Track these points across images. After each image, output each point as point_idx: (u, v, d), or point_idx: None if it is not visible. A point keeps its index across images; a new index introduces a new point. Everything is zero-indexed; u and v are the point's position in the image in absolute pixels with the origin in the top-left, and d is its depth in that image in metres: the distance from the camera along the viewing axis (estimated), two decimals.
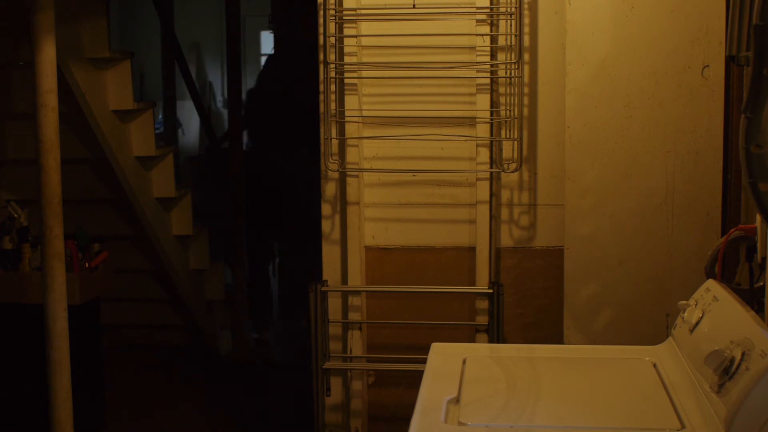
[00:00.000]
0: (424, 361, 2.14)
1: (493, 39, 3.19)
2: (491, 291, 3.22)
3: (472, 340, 3.29)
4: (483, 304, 3.29)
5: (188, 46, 7.64)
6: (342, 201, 3.32)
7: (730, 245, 2.32)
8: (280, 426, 4.27)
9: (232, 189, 5.44)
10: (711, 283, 2.13)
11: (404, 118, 3.24)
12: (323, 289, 3.29)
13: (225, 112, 7.92)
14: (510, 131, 3.18)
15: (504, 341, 3.25)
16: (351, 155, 3.27)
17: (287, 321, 6.05)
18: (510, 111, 3.18)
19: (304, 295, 3.34)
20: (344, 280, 3.34)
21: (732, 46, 2.16)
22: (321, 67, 3.23)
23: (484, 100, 3.22)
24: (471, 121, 3.23)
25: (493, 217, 3.26)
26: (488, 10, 3.18)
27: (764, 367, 1.64)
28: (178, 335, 5.47)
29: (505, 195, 3.27)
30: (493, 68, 3.21)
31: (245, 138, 5.75)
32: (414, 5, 3.17)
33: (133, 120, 4.64)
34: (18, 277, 3.93)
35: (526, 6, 3.16)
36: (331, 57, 3.20)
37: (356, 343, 3.34)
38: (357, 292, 3.33)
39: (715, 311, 2.01)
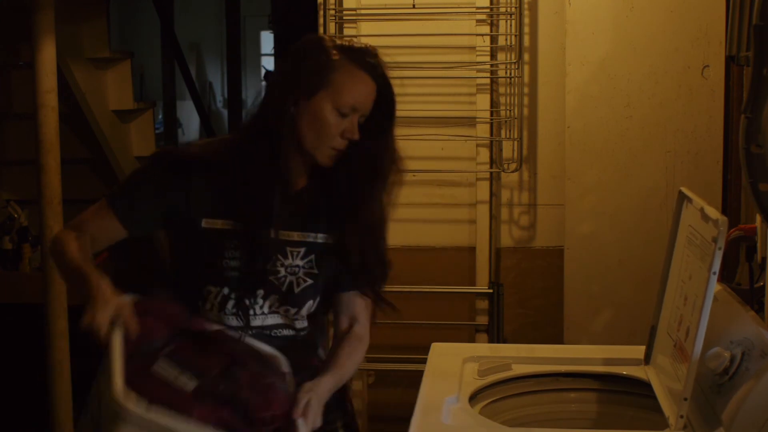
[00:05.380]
0: (424, 361, 2.14)
1: (493, 39, 3.19)
2: (491, 291, 3.22)
3: (472, 340, 3.29)
4: (483, 304, 3.28)
5: (188, 46, 7.64)
6: None
7: (730, 245, 2.32)
8: None
9: None
10: None
11: (404, 118, 3.23)
12: None
13: (225, 112, 7.93)
14: (510, 131, 3.18)
15: (504, 341, 3.24)
16: None
17: None
18: (510, 111, 3.18)
19: None
20: None
21: (732, 46, 2.16)
22: None
23: (484, 100, 3.21)
24: (471, 121, 3.22)
25: (493, 217, 3.26)
26: (488, 10, 3.18)
27: (764, 367, 1.64)
28: None
29: (505, 195, 3.26)
30: (493, 68, 3.21)
31: None
32: (414, 5, 3.17)
33: (133, 120, 4.64)
34: (18, 277, 3.93)
35: (526, 6, 3.16)
36: None
37: None
38: None
39: (715, 311, 2.00)
